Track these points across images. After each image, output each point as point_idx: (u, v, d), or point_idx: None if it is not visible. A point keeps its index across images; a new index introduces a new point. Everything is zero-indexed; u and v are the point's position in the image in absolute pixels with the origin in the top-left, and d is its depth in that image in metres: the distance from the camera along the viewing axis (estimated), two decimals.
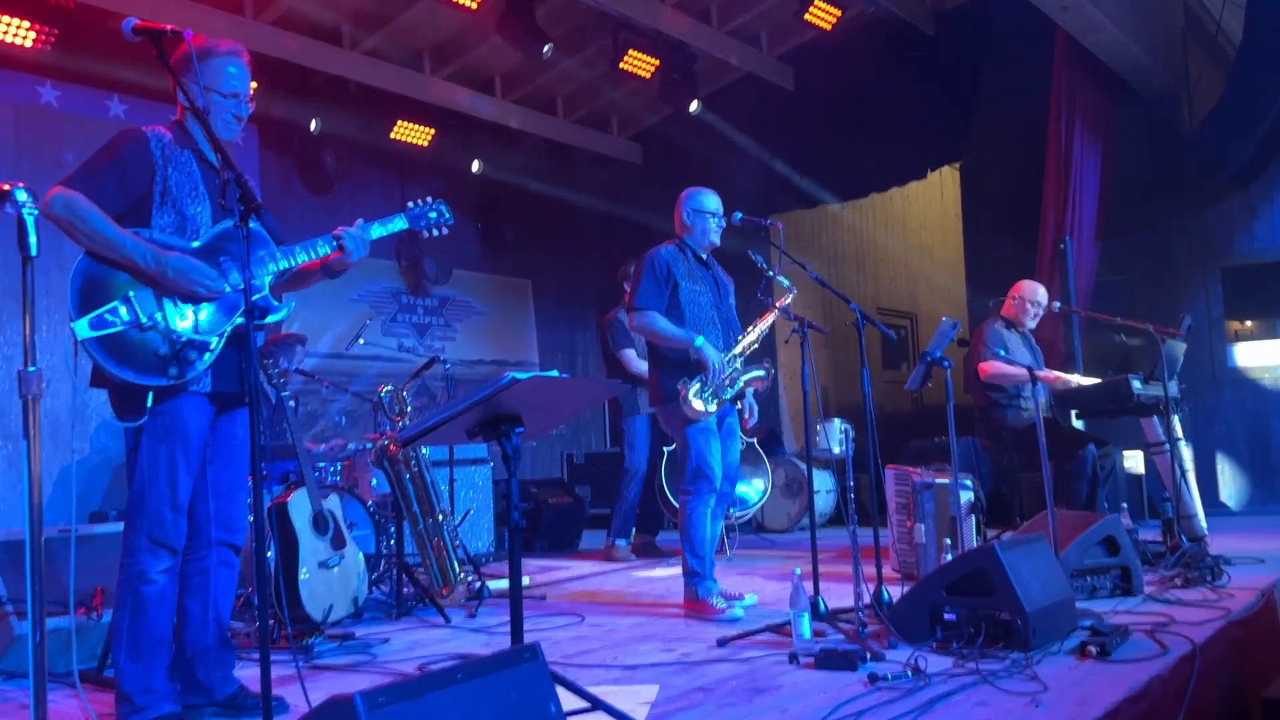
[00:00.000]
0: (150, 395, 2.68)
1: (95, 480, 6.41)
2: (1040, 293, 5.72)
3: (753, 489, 6.92)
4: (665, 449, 6.44)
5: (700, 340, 4.21)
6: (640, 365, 6.20)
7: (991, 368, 5.36)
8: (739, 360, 4.29)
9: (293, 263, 2.94)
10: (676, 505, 4.38)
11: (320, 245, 2.99)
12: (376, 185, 8.30)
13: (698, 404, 4.15)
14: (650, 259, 4.41)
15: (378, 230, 3.09)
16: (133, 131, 2.81)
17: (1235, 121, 7.01)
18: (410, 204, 3.28)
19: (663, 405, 4.34)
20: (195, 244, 2.78)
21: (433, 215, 3.28)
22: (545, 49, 7.03)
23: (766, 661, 3.22)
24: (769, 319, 4.41)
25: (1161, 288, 7.99)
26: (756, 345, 4.38)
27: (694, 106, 8.23)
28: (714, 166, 8.06)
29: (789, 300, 4.40)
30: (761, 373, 4.34)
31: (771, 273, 4.30)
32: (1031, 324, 5.71)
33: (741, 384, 4.29)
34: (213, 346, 2.76)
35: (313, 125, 7.46)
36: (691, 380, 4.18)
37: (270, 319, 2.93)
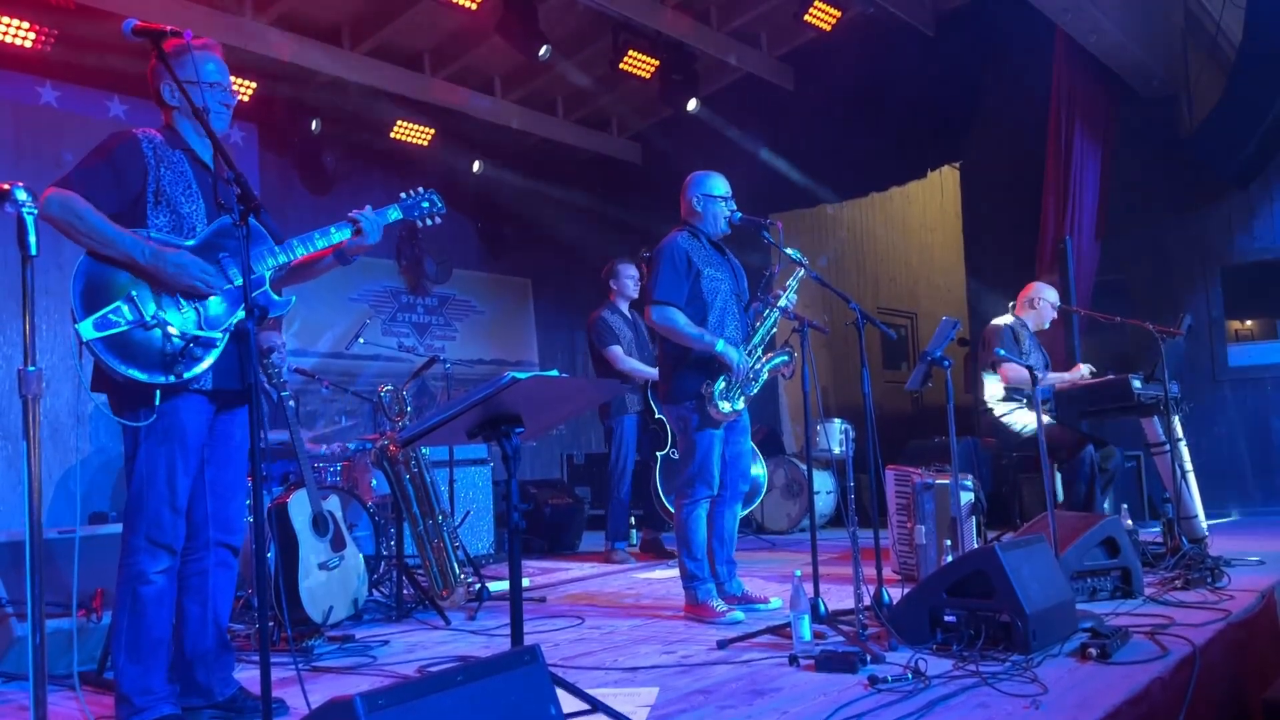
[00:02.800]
0: (157, 394, 2.68)
1: (96, 481, 6.41)
2: (1054, 293, 5.84)
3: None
4: (659, 454, 6.40)
5: (721, 345, 4.09)
6: (628, 363, 6.20)
7: (1013, 371, 5.37)
8: (759, 350, 4.25)
9: (290, 257, 2.94)
10: (673, 510, 4.35)
11: (334, 232, 3.00)
12: (376, 185, 8.29)
13: (725, 405, 4.10)
14: (669, 249, 4.24)
15: (390, 216, 3.14)
16: (124, 133, 2.82)
17: (1235, 121, 7.00)
18: (402, 195, 3.31)
19: (676, 404, 4.21)
20: (190, 242, 2.79)
21: (425, 205, 3.33)
22: (542, 50, 7.03)
23: (766, 664, 3.22)
24: (780, 302, 4.27)
25: (1161, 288, 7.99)
26: (775, 330, 4.34)
27: (692, 105, 8.23)
28: (714, 166, 8.03)
29: (801, 273, 4.25)
30: (785, 357, 4.26)
31: (789, 250, 4.15)
32: (1045, 324, 5.77)
33: (766, 374, 4.24)
34: (217, 342, 2.77)
35: (314, 125, 7.45)
36: (715, 381, 4.10)
37: (271, 315, 2.95)
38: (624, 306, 6.45)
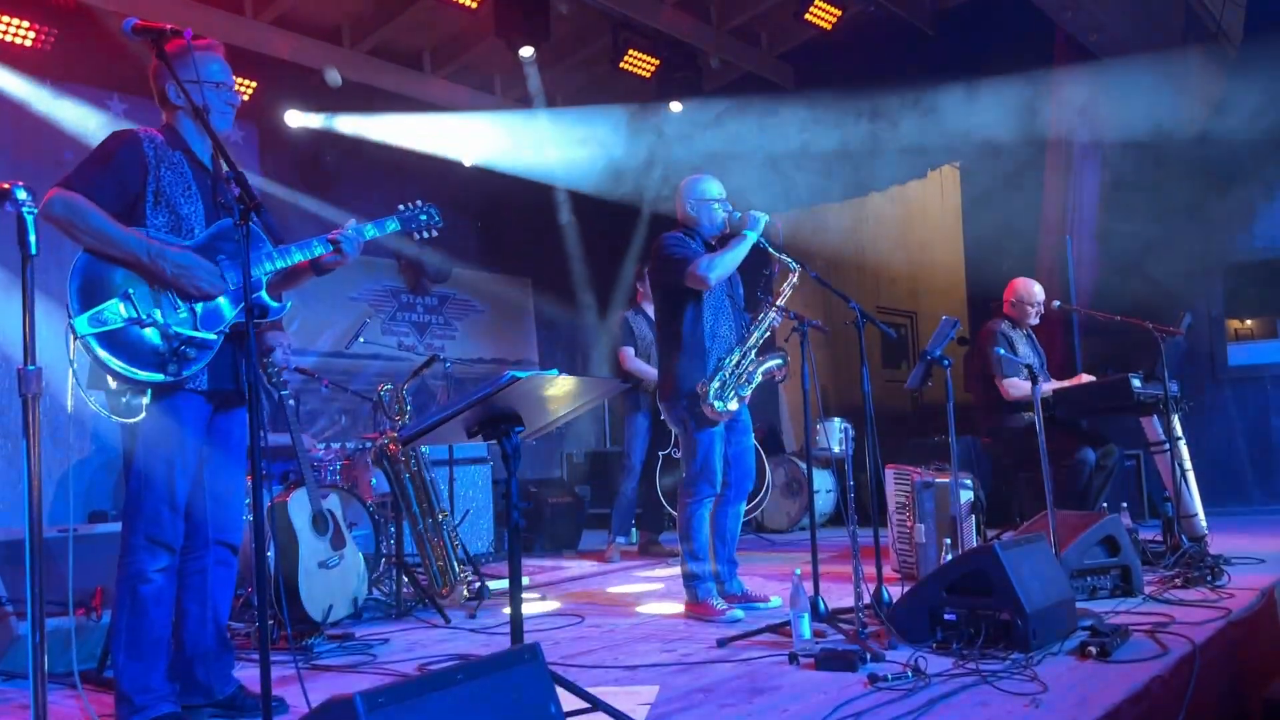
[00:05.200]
0: (149, 393, 2.68)
1: (96, 480, 6.40)
2: (1035, 289, 5.75)
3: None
4: (660, 453, 6.45)
5: (752, 235, 4.13)
6: (634, 364, 6.29)
7: (1015, 388, 5.35)
8: (753, 352, 4.24)
9: (289, 262, 2.95)
10: (673, 511, 4.34)
11: (316, 246, 3.00)
12: (376, 185, 8.29)
13: (718, 404, 4.10)
14: (670, 237, 4.28)
15: (371, 231, 3.14)
16: (125, 132, 2.83)
17: (1235, 121, 7.00)
18: (401, 206, 3.32)
19: (674, 404, 4.22)
20: (189, 243, 2.79)
21: (423, 218, 3.35)
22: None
23: (766, 662, 3.22)
24: (778, 302, 4.26)
25: (1161, 288, 7.98)
26: (768, 334, 4.33)
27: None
28: (713, 166, 8.04)
29: (795, 279, 4.25)
30: (778, 360, 4.27)
31: (782, 255, 4.18)
32: (1034, 320, 5.74)
33: (759, 376, 4.24)
34: (212, 344, 2.77)
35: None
36: (711, 380, 4.11)
37: (269, 319, 2.96)
38: (650, 309, 6.50)
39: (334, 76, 7.18)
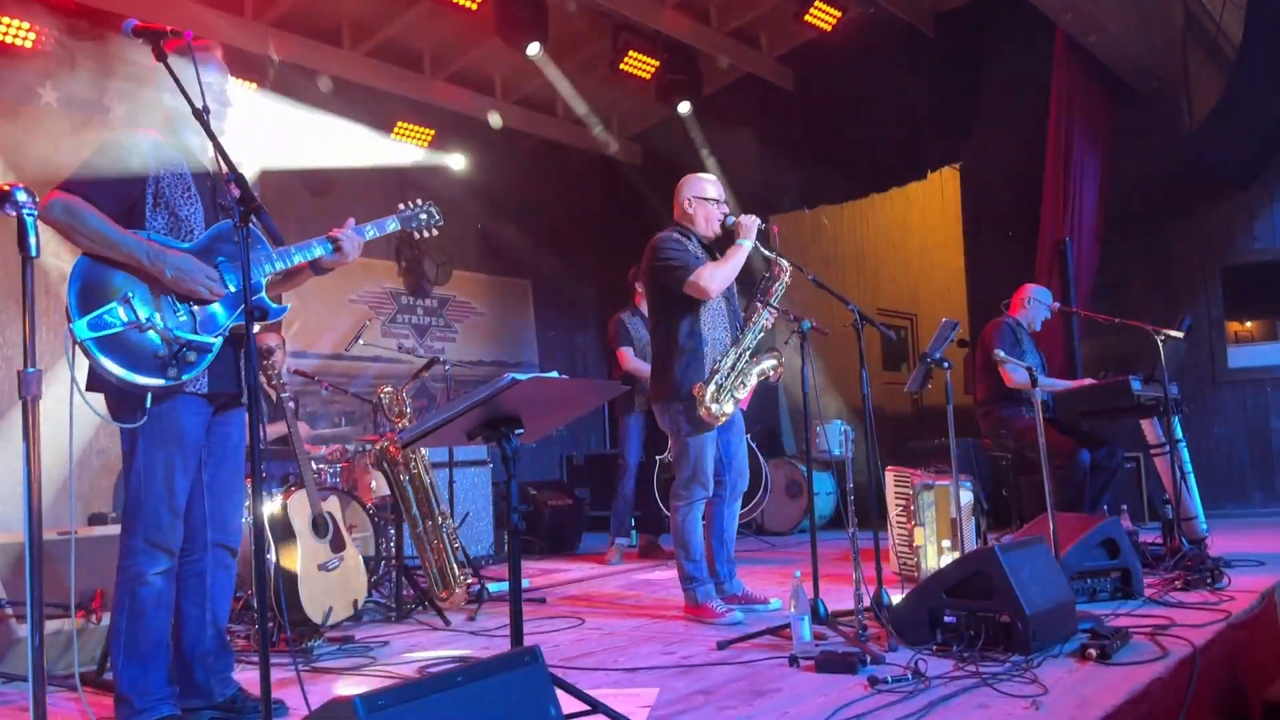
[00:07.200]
0: (149, 396, 2.68)
1: (96, 482, 6.40)
2: (1047, 294, 5.88)
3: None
4: (658, 457, 6.43)
5: (747, 243, 4.12)
6: (634, 363, 6.28)
7: (1014, 373, 5.37)
8: (747, 354, 4.24)
9: (288, 264, 2.95)
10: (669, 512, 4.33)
11: (315, 247, 3.01)
12: (376, 186, 8.29)
13: (715, 407, 4.09)
14: (666, 238, 4.23)
15: (371, 232, 3.15)
16: (124, 134, 2.82)
17: (1235, 121, 7.00)
18: (402, 206, 3.33)
19: (667, 407, 4.21)
20: (188, 245, 2.79)
21: (423, 216, 3.36)
22: (532, 49, 7.06)
23: (767, 664, 3.22)
24: (771, 301, 4.24)
25: (1161, 288, 7.98)
26: (762, 334, 4.32)
27: (684, 108, 8.25)
28: (713, 167, 8.08)
29: (787, 278, 4.23)
30: (773, 362, 4.26)
31: (777, 256, 4.16)
32: (1038, 325, 5.80)
33: (755, 377, 4.24)
34: (212, 347, 2.77)
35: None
36: (708, 383, 4.09)
37: (269, 319, 2.96)
38: (647, 310, 6.50)
39: (325, 84, 7.23)
